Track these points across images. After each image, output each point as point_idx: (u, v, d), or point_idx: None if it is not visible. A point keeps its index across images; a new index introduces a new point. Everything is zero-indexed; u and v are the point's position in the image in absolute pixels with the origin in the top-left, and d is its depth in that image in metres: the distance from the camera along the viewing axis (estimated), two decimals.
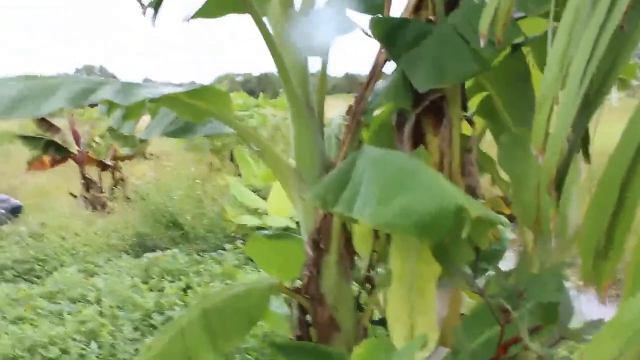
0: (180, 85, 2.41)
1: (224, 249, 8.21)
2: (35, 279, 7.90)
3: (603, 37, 0.69)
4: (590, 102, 0.81)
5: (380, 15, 2.59)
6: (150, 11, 2.19)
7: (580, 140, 0.89)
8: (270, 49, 2.27)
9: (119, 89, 2.08)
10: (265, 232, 3.05)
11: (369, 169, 1.86)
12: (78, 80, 2.13)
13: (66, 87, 2.04)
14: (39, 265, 8.21)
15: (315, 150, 2.49)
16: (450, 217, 1.60)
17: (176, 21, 2.26)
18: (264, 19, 2.29)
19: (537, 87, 2.60)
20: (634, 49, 0.72)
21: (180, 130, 2.68)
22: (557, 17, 0.82)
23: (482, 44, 1.17)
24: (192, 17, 2.19)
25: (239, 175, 10.95)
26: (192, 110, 2.37)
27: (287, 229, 7.80)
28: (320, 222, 2.51)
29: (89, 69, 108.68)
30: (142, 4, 1.99)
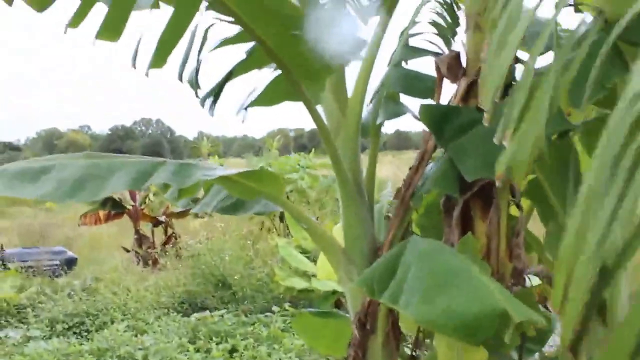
0: (233, 170, 2.49)
1: (271, 312, 8.24)
2: (85, 333, 8.07)
3: (625, 207, 0.73)
4: (607, 274, 0.84)
5: (430, 100, 2.65)
6: (201, 91, 2.30)
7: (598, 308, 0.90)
8: (322, 134, 2.34)
9: (175, 171, 2.16)
10: (312, 309, 3.07)
11: (416, 263, 1.90)
12: (137, 162, 2.22)
13: (125, 169, 2.13)
14: (90, 319, 8.37)
15: (364, 233, 2.52)
16: (494, 322, 1.61)
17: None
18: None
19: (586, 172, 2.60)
20: None
21: (232, 207, 2.74)
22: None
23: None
24: (249, 106, 2.29)
25: (290, 235, 11.04)
26: (245, 190, 2.44)
27: (334, 292, 7.81)
28: (367, 303, 2.53)
29: (146, 122, 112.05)
30: (197, 95, 2.08)
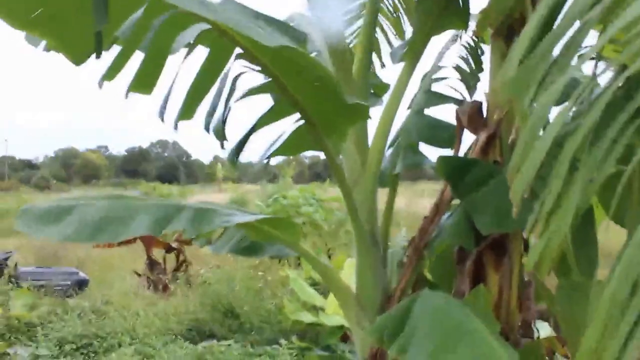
0: (252, 213, 2.54)
1: (279, 344, 8.22)
2: (92, 355, 8.09)
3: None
4: None
5: (448, 150, 2.69)
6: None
7: None
8: (341, 186, 2.38)
9: (193, 218, 2.21)
10: (320, 352, 3.09)
11: (426, 319, 1.94)
12: (156, 206, 2.27)
13: (145, 213, 2.18)
14: (98, 342, 8.39)
15: (377, 281, 2.56)
16: None
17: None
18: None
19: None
20: None
21: (248, 250, 2.78)
22: None
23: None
24: (271, 156, 2.34)
25: (300, 266, 11.05)
26: (263, 235, 2.49)
27: (341, 327, 7.80)
28: (375, 350, 2.55)
29: (163, 144, 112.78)
30: (222, 147, 2.13)
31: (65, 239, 2.10)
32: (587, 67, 2.18)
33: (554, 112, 1.09)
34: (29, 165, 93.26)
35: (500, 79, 1.29)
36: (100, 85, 1.80)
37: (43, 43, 2.45)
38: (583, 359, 0.85)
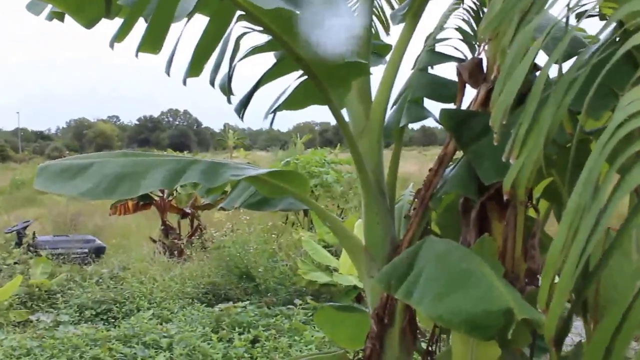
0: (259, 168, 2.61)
1: (293, 304, 8.36)
2: (112, 320, 8.27)
3: (601, 223, 0.84)
4: (590, 274, 0.95)
5: (452, 105, 2.74)
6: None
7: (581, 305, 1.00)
8: (347, 137, 2.44)
9: (205, 170, 2.28)
10: (333, 303, 3.18)
11: (431, 262, 2.02)
12: (170, 161, 2.34)
13: (159, 168, 2.25)
14: (117, 307, 8.56)
15: (384, 232, 2.62)
16: (499, 319, 1.73)
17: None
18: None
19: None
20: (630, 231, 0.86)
21: (259, 204, 2.87)
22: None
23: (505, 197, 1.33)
24: (277, 110, 2.40)
25: (313, 229, 11.16)
26: (272, 188, 2.56)
27: (355, 287, 7.92)
28: (385, 299, 2.63)
29: (173, 113, 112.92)
30: (229, 101, 2.20)
31: (82, 196, 2.17)
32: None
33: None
34: (42, 136, 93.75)
35: (485, 19, 1.35)
36: (112, 45, 1.87)
37: (46, 11, 2.50)
38: (553, 259, 0.92)
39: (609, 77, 1.16)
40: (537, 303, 0.99)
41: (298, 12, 1.93)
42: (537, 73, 2.22)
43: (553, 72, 1.31)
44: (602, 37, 1.90)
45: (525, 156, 1.14)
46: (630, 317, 0.78)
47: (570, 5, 1.18)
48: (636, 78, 0.97)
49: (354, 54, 2.38)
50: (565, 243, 0.90)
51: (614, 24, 1.89)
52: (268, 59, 2.51)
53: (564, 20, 1.30)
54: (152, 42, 2.06)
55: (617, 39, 1.90)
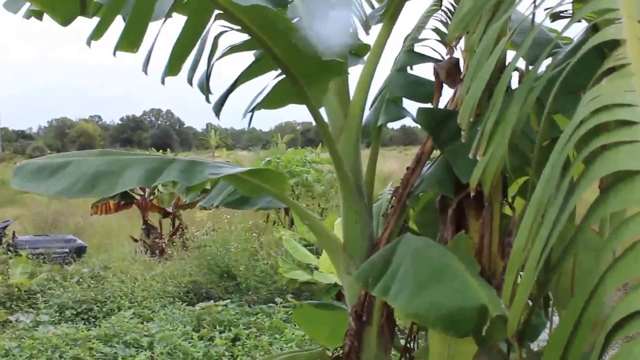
0: (237, 166, 2.62)
1: (274, 302, 8.39)
2: (93, 320, 8.24)
3: (563, 216, 0.87)
4: (551, 269, 0.98)
5: (429, 105, 2.77)
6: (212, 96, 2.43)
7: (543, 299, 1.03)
8: (325, 136, 2.46)
9: (183, 169, 2.29)
10: (312, 301, 3.20)
11: (408, 259, 2.04)
12: (148, 160, 2.34)
13: (137, 166, 2.25)
14: (98, 306, 8.54)
15: (363, 230, 2.64)
16: (474, 315, 1.76)
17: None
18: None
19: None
20: (592, 224, 0.89)
21: (238, 202, 2.88)
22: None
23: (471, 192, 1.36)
24: (256, 109, 2.41)
25: (294, 227, 11.18)
26: (251, 187, 2.58)
27: (335, 285, 7.96)
28: (363, 296, 2.65)
29: (156, 112, 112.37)
30: (208, 100, 2.22)
31: (59, 194, 2.17)
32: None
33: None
34: (23, 135, 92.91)
35: (455, 17, 1.38)
36: (89, 43, 1.88)
37: (23, 9, 2.50)
38: (516, 254, 0.95)
39: (581, 76, 1.19)
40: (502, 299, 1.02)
41: (277, 11, 1.95)
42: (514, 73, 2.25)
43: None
44: (577, 38, 1.94)
45: (491, 152, 1.16)
46: (589, 310, 0.81)
47: (537, 2, 1.21)
48: (597, 76, 1.00)
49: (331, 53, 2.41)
50: (528, 238, 0.93)
51: (586, 25, 1.93)
52: (248, 58, 2.53)
53: (540, 19, 1.33)
54: (130, 41, 2.07)
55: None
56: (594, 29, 1.89)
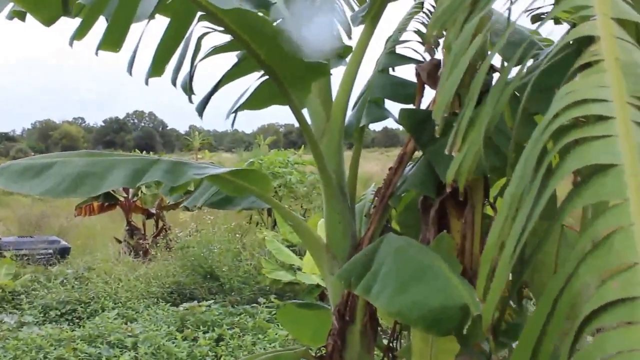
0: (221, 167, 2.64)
1: (258, 303, 8.40)
2: (77, 320, 8.21)
3: (536, 211, 0.89)
4: (525, 262, 1.01)
5: (410, 106, 2.79)
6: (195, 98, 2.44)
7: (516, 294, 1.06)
8: (308, 137, 2.48)
9: (167, 169, 2.30)
10: (295, 301, 3.22)
11: (390, 259, 2.07)
12: (132, 160, 2.35)
13: (121, 167, 2.27)
14: (82, 307, 8.52)
15: (345, 230, 2.66)
16: (456, 314, 1.79)
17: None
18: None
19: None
20: (562, 220, 0.92)
21: (221, 202, 2.89)
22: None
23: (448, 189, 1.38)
24: (239, 110, 2.43)
25: (277, 228, 11.18)
26: (234, 187, 2.59)
27: (318, 285, 7.97)
28: (346, 296, 2.67)
29: (139, 115, 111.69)
30: (191, 100, 2.23)
31: (44, 194, 2.18)
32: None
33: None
34: (7, 137, 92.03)
35: (433, 17, 1.41)
36: (71, 43, 1.89)
37: (6, 10, 2.50)
38: (490, 249, 0.98)
39: (559, 74, 1.22)
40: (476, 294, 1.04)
41: (260, 13, 1.97)
42: (495, 74, 2.28)
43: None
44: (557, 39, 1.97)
45: (467, 149, 1.19)
46: (562, 300, 0.83)
47: (513, 0, 1.24)
48: (572, 72, 1.03)
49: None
50: (501, 233, 0.95)
51: (568, 26, 1.96)
52: (231, 60, 2.54)
53: (519, 19, 1.36)
54: (112, 41, 2.08)
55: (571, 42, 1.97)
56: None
